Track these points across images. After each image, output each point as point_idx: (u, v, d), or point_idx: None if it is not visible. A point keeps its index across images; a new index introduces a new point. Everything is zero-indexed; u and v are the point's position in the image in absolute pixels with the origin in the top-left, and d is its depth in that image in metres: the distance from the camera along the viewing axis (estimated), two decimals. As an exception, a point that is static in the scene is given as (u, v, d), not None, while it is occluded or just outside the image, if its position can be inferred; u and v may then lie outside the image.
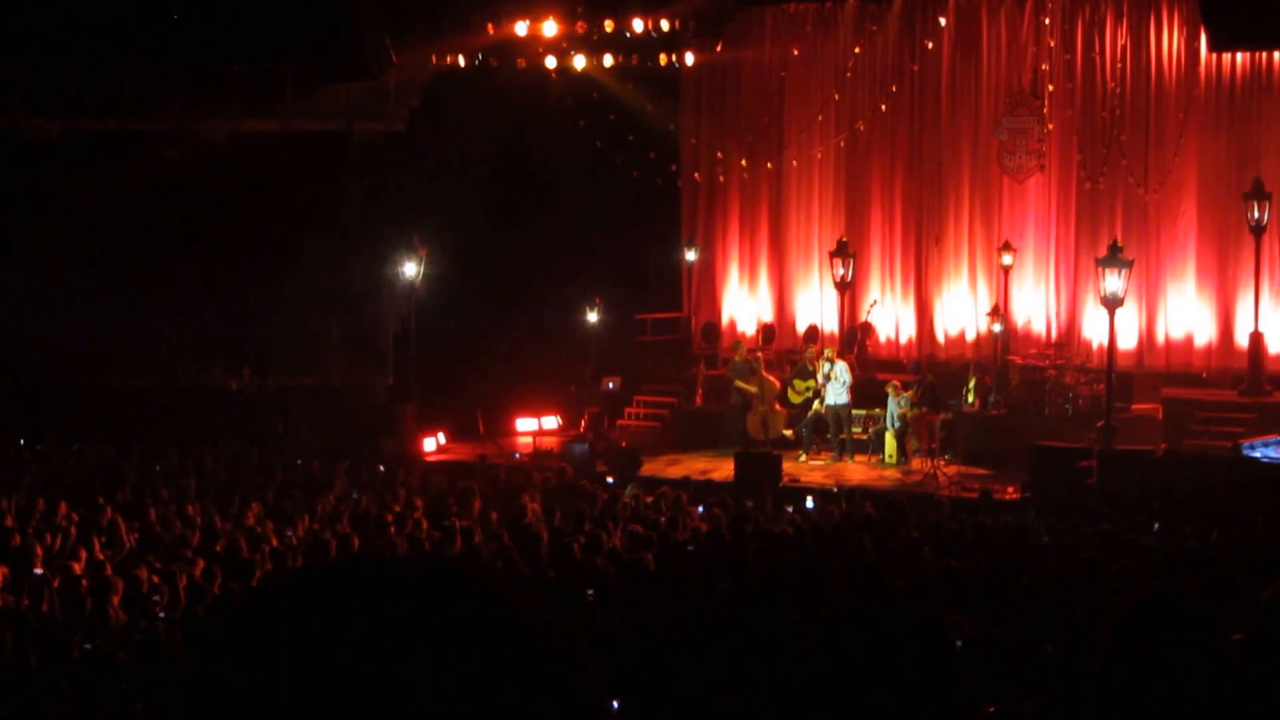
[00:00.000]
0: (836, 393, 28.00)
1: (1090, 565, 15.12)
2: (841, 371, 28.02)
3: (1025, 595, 13.22)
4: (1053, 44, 31.13)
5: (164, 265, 31.90)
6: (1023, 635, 11.32)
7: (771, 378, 29.25)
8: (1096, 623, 3.61)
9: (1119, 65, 30.79)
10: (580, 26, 31.87)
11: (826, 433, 28.58)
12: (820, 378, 28.17)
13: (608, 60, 32.36)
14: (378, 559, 1.56)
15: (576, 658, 1.54)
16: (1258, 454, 24.43)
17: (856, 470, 27.60)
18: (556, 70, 32.57)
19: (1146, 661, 3.45)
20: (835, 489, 25.11)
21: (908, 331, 32.75)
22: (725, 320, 34.26)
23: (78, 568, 15.30)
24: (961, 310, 32.23)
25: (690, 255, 34.19)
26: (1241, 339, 29.53)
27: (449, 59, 32.54)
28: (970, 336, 31.87)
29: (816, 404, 28.55)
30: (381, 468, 25.14)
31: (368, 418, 29.57)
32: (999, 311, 29.93)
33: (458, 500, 21.18)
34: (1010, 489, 25.13)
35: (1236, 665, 3.63)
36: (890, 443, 27.99)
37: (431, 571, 1.53)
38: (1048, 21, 31.19)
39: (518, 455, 29.06)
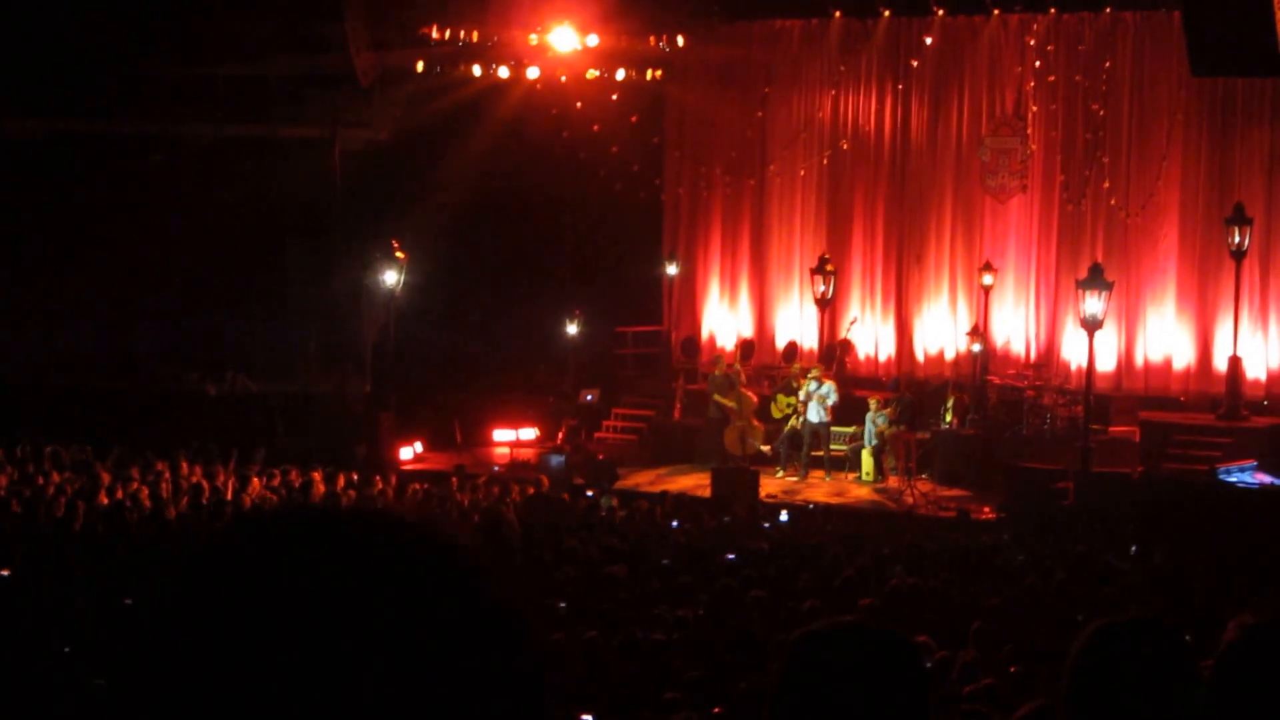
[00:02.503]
0: (817, 412, 28.00)
1: (1062, 587, 15.15)
2: (829, 392, 28.02)
3: (996, 616, 13.24)
4: (1038, 65, 31.19)
5: (145, 269, 31.80)
6: (992, 656, 11.33)
7: (750, 393, 29.22)
8: (1066, 646, 3.61)
9: (1102, 88, 30.87)
10: (567, 38, 31.84)
11: (803, 449, 28.58)
12: (802, 395, 28.14)
13: (592, 73, 32.34)
14: (330, 508, 1.49)
15: (538, 632, 1.46)
16: (1234, 478, 24.51)
17: (832, 487, 27.60)
18: (540, 81, 32.54)
19: (1114, 687, 3.45)
20: (810, 506, 25.14)
21: (887, 349, 32.77)
22: (705, 335, 34.24)
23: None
24: (941, 329, 32.25)
25: (671, 269, 34.14)
26: (1220, 363, 29.56)
27: (434, 68, 32.51)
28: (949, 356, 31.87)
29: (793, 420, 28.55)
30: (356, 475, 25.08)
31: (345, 425, 29.49)
32: (979, 331, 29.94)
33: (436, 508, 21.13)
34: (987, 509, 25.17)
35: (1206, 692, 3.63)
36: (867, 460, 28.00)
37: (393, 525, 1.46)
38: (1032, 43, 31.27)
39: (495, 466, 29.02)
